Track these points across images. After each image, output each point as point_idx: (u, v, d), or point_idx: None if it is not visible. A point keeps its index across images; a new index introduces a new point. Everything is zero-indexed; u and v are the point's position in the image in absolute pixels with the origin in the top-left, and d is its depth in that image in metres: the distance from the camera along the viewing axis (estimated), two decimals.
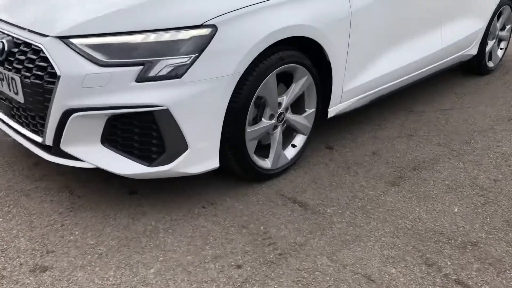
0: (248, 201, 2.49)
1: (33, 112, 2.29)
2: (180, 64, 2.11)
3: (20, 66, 2.25)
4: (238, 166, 2.48)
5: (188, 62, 2.12)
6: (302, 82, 2.62)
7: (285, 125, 2.70)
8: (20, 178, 2.62)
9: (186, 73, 2.11)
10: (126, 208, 2.39)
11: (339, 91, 2.90)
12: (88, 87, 2.08)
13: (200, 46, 2.13)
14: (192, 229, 2.25)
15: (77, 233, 2.21)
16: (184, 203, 2.45)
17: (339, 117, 3.04)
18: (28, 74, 2.22)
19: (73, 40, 2.13)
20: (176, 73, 2.10)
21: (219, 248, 2.14)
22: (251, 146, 2.47)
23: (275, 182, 2.67)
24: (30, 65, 2.21)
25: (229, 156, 2.42)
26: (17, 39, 2.31)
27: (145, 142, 2.20)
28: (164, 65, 2.10)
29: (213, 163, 2.33)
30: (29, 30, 2.26)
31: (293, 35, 2.42)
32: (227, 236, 2.22)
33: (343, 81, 2.89)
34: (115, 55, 2.10)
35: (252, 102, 2.36)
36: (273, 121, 2.57)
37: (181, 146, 2.20)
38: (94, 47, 2.11)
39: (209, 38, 2.15)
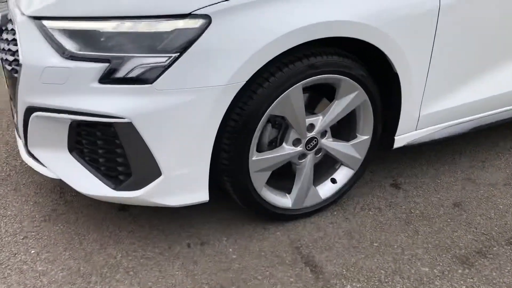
0: (248, 248, 1.90)
1: (12, 102, 1.98)
2: (154, 65, 1.58)
3: (3, 48, 1.94)
4: (240, 201, 1.90)
5: (166, 63, 1.57)
6: (349, 100, 1.90)
7: (321, 154, 2.01)
8: (20, 169, 2.38)
9: (160, 79, 1.57)
10: (102, 229, 1.98)
11: (414, 115, 2.09)
12: (47, 83, 1.66)
13: (185, 43, 1.57)
14: (157, 277, 1.75)
15: (32, 251, 1.86)
16: (170, 235, 1.96)
17: (426, 145, 2.23)
18: (7, 58, 1.89)
19: (45, 22, 1.72)
20: (148, 77, 1.58)
21: None
22: (259, 178, 1.86)
23: (298, 225, 2.03)
24: (7, 48, 1.88)
25: (228, 188, 1.85)
26: (5, 15, 2.00)
27: (111, 160, 1.74)
28: (135, 64, 1.58)
29: (200, 195, 1.78)
30: (17, 5, 1.92)
31: (333, 36, 1.71)
32: None
33: (421, 102, 2.07)
34: (84, 46, 1.64)
35: (261, 122, 1.74)
36: (299, 148, 1.91)
37: (152, 170, 1.69)
38: (68, 33, 1.67)
39: (198, 33, 1.57)
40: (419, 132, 2.18)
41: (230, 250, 1.89)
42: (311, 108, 1.96)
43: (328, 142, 1.97)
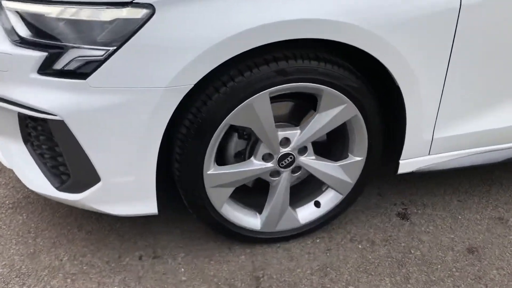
0: (203, 270, 1.67)
1: None
2: (91, 58, 1.38)
3: None
4: (197, 218, 1.68)
5: (102, 57, 1.38)
6: (334, 114, 1.58)
7: (300, 172, 1.72)
8: None
9: (94, 74, 1.38)
10: (62, 225, 1.85)
11: (424, 137, 1.72)
12: None
13: (124, 35, 1.36)
14: None
15: None
16: (126, 242, 1.79)
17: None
18: None
19: (4, 2, 1.60)
20: (83, 72, 1.39)
21: None
22: (218, 194, 1.62)
23: (269, 250, 1.76)
24: None
25: (185, 202, 1.64)
26: None
27: (53, 157, 1.59)
28: (74, 55, 1.40)
29: (147, 207, 1.58)
30: None
31: (308, 37, 1.40)
32: None
33: (435, 123, 1.69)
34: (30, 32, 1.49)
35: (218, 132, 1.49)
36: (269, 165, 1.63)
37: (90, 175, 1.51)
38: (20, 16, 1.53)
39: (139, 24, 1.35)
40: (433, 157, 1.79)
41: (182, 270, 1.69)
42: (295, 119, 1.67)
43: (308, 160, 1.67)
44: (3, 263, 1.70)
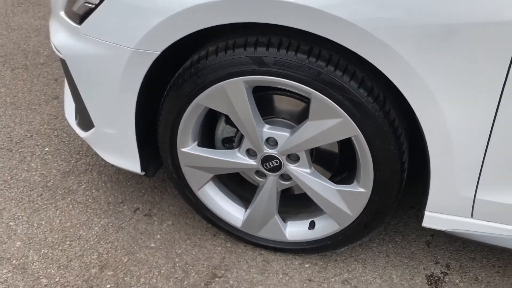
0: (173, 243, 1.61)
1: None
2: (88, 5, 1.38)
3: None
4: (176, 190, 1.59)
5: (94, 5, 1.36)
6: (327, 126, 1.25)
7: (291, 181, 1.44)
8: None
9: (85, 22, 1.38)
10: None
11: (462, 193, 1.23)
12: None
13: None
14: (65, 218, 1.70)
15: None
16: (136, 191, 1.83)
17: None
18: None
19: None
20: (83, 17, 1.41)
21: None
22: (195, 176, 1.49)
23: (247, 252, 1.58)
24: None
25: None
26: None
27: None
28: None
29: (131, 164, 1.56)
30: None
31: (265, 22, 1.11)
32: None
33: (478, 179, 1.19)
34: None
35: (191, 110, 1.35)
36: (252, 162, 1.41)
37: (87, 117, 1.57)
38: None
39: None
40: (477, 223, 1.29)
41: (158, 237, 1.65)
42: (299, 120, 1.39)
43: (298, 172, 1.39)
44: (43, 172, 1.94)
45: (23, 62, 2.66)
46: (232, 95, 1.29)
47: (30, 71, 2.58)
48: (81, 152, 2.03)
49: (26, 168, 1.94)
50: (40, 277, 1.52)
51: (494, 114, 1.10)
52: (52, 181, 1.89)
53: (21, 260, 1.57)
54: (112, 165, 1.68)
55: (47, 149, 2.04)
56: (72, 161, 1.99)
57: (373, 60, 1.10)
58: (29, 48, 2.79)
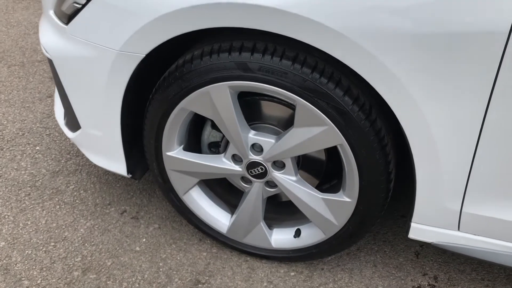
0: (159, 249, 1.59)
1: None
2: (76, 5, 1.37)
3: None
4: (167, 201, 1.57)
5: (80, 6, 1.34)
6: (312, 134, 1.23)
7: (277, 188, 1.42)
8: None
9: (72, 22, 1.36)
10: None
11: (448, 206, 1.21)
12: None
13: None
14: (49, 218, 1.69)
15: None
16: (125, 193, 1.81)
17: None
18: None
19: None
20: (70, 18, 1.39)
21: None
22: (180, 180, 1.47)
23: (233, 258, 1.56)
24: None
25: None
26: None
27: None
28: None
29: (117, 166, 1.55)
30: None
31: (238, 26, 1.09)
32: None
33: (464, 192, 1.17)
34: None
35: (175, 113, 1.33)
36: (237, 168, 1.39)
37: (74, 118, 1.55)
38: None
39: None
40: (464, 237, 1.26)
41: (144, 240, 1.63)
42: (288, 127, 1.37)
43: (282, 179, 1.36)
44: (32, 171, 1.93)
45: (20, 59, 2.65)
46: (216, 100, 1.26)
47: (26, 69, 2.58)
48: (72, 152, 2.02)
49: (15, 167, 1.93)
50: (22, 279, 1.50)
51: (480, 127, 1.07)
52: (40, 180, 1.88)
53: (4, 261, 1.56)
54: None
55: (38, 148, 2.03)
56: (62, 161, 1.97)
57: (347, 60, 1.08)
58: (27, 45, 2.79)
